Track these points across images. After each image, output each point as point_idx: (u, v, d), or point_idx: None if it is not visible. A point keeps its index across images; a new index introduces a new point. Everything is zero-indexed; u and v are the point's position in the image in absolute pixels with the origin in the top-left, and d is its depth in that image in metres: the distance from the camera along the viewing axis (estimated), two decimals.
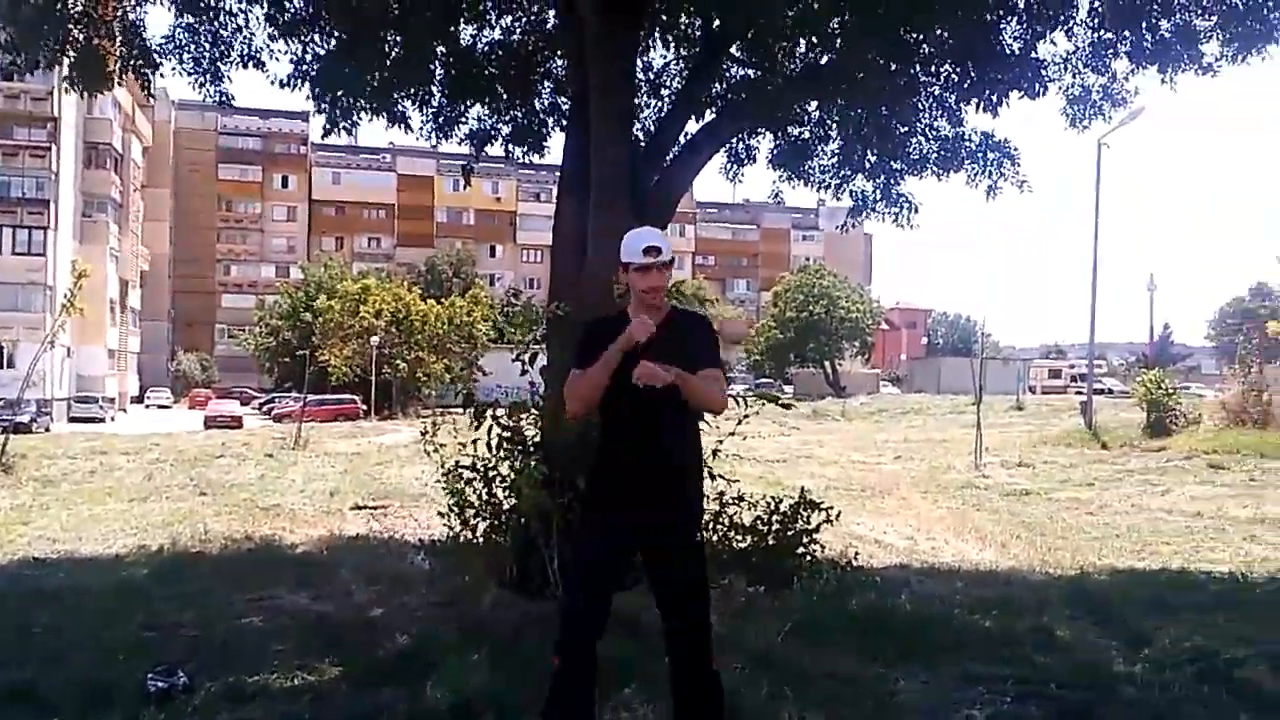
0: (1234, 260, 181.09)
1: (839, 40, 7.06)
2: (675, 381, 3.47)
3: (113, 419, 50.52)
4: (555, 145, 11.39)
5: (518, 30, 9.09)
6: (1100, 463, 23.33)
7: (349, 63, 8.38)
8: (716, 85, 8.73)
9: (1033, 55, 8.12)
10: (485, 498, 6.54)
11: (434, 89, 9.05)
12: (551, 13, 8.75)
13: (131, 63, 8.38)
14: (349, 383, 51.48)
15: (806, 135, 9.36)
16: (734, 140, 9.40)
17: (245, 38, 8.63)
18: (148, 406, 66.07)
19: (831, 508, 7.05)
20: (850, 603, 6.39)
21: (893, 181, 9.10)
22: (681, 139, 8.09)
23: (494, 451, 6.44)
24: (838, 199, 9.69)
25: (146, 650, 5.30)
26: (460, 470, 6.53)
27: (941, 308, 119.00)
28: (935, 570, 9.61)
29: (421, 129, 9.44)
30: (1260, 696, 4.86)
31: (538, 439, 6.47)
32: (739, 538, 6.78)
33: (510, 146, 9.58)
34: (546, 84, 9.31)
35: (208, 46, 8.59)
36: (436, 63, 8.87)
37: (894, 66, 7.56)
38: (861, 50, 6.93)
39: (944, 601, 6.96)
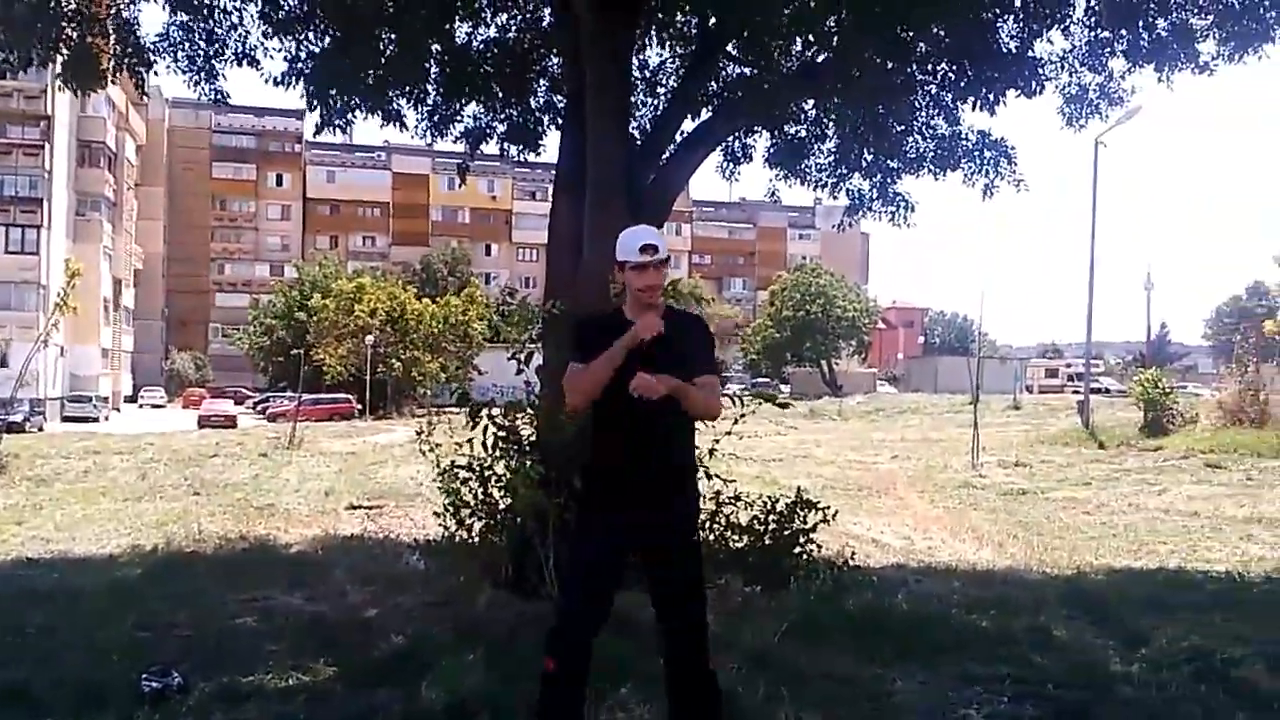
0: (1231, 260, 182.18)
1: (835, 38, 7.04)
2: (671, 393, 3.48)
3: (106, 418, 50.38)
4: (551, 144, 11.34)
5: (513, 28, 9.07)
6: (1097, 462, 23.36)
7: (344, 60, 8.36)
8: (713, 83, 8.72)
9: (1029, 54, 8.12)
10: (481, 497, 6.52)
11: (429, 87, 9.03)
12: (547, 11, 8.74)
13: (125, 61, 8.34)
14: (344, 382, 51.41)
15: (803, 134, 9.36)
16: (730, 139, 9.39)
17: (240, 35, 8.60)
18: (141, 406, 65.90)
19: (828, 507, 7.04)
20: (847, 602, 6.39)
21: (889, 180, 9.09)
22: (678, 137, 8.09)
23: (489, 451, 6.42)
24: (834, 198, 9.70)
25: (140, 651, 5.27)
26: (456, 470, 6.51)
27: (938, 307, 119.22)
28: (932, 570, 9.60)
29: (417, 127, 9.42)
30: (1257, 695, 4.86)
31: (533, 438, 6.45)
32: (736, 537, 6.77)
33: (505, 145, 9.57)
34: (542, 82, 9.29)
35: (202, 44, 8.55)
36: (432, 60, 8.85)
37: (890, 65, 7.54)
38: (858, 49, 6.92)
39: (941, 601, 6.96)
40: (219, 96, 8.89)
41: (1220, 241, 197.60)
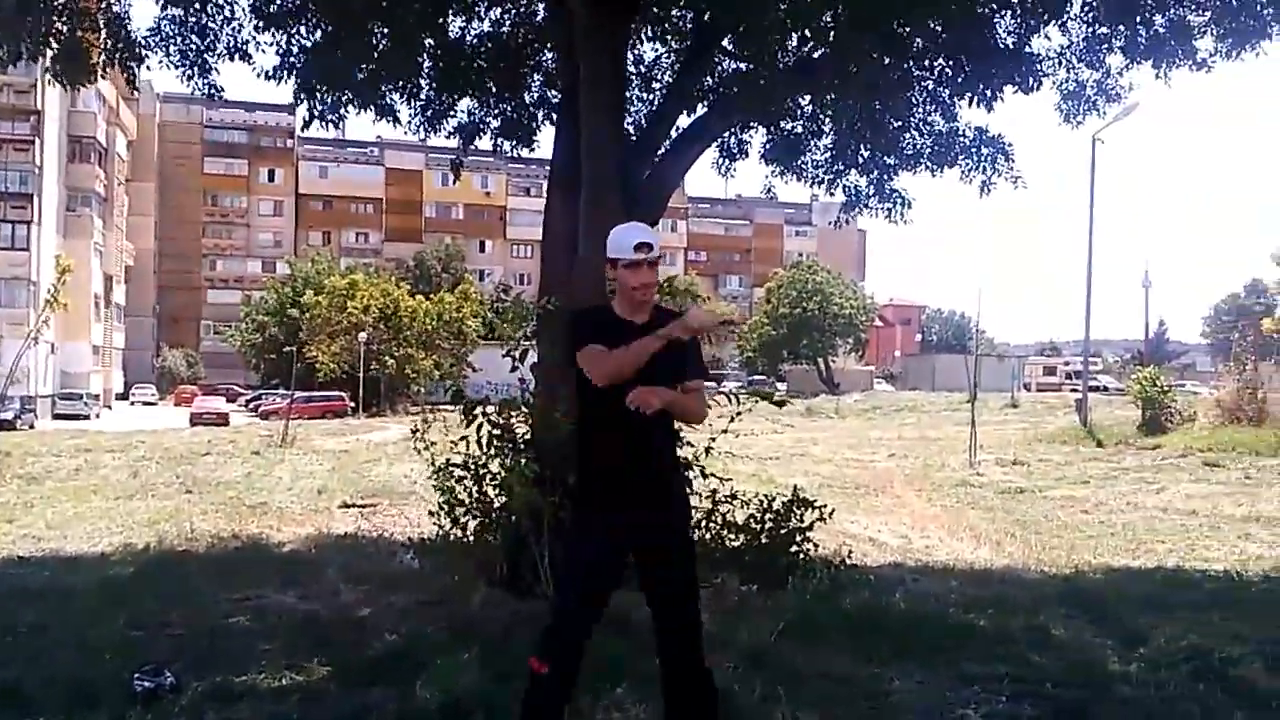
0: (1229, 256, 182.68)
1: (832, 34, 7.00)
2: (665, 406, 3.54)
3: (97, 416, 50.29)
4: (545, 139, 11.31)
5: (507, 22, 9.03)
6: (1095, 460, 23.38)
7: (336, 55, 8.32)
8: (708, 79, 8.69)
9: (1027, 50, 8.10)
10: (475, 496, 6.49)
11: (422, 81, 8.98)
12: (541, 5, 8.69)
13: (116, 55, 8.29)
14: (337, 379, 51.36)
15: (799, 130, 9.31)
16: (726, 135, 9.35)
17: (232, 30, 8.55)
18: (133, 403, 65.78)
19: (825, 506, 7.04)
20: (844, 601, 6.37)
21: (886, 177, 9.05)
22: (673, 133, 8.05)
23: (484, 449, 6.39)
24: (831, 194, 9.64)
25: (132, 650, 5.24)
26: (451, 468, 6.48)
27: (936, 304, 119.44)
28: (929, 569, 9.59)
29: (410, 122, 9.37)
30: (1255, 694, 4.85)
31: (528, 436, 6.42)
32: (732, 536, 6.76)
33: (499, 140, 9.53)
34: (536, 77, 9.26)
35: (194, 38, 8.51)
36: (425, 55, 8.81)
37: (887, 60, 7.51)
38: (855, 44, 6.87)
39: (938, 600, 6.95)
40: (212, 91, 8.85)
41: (1218, 238, 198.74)
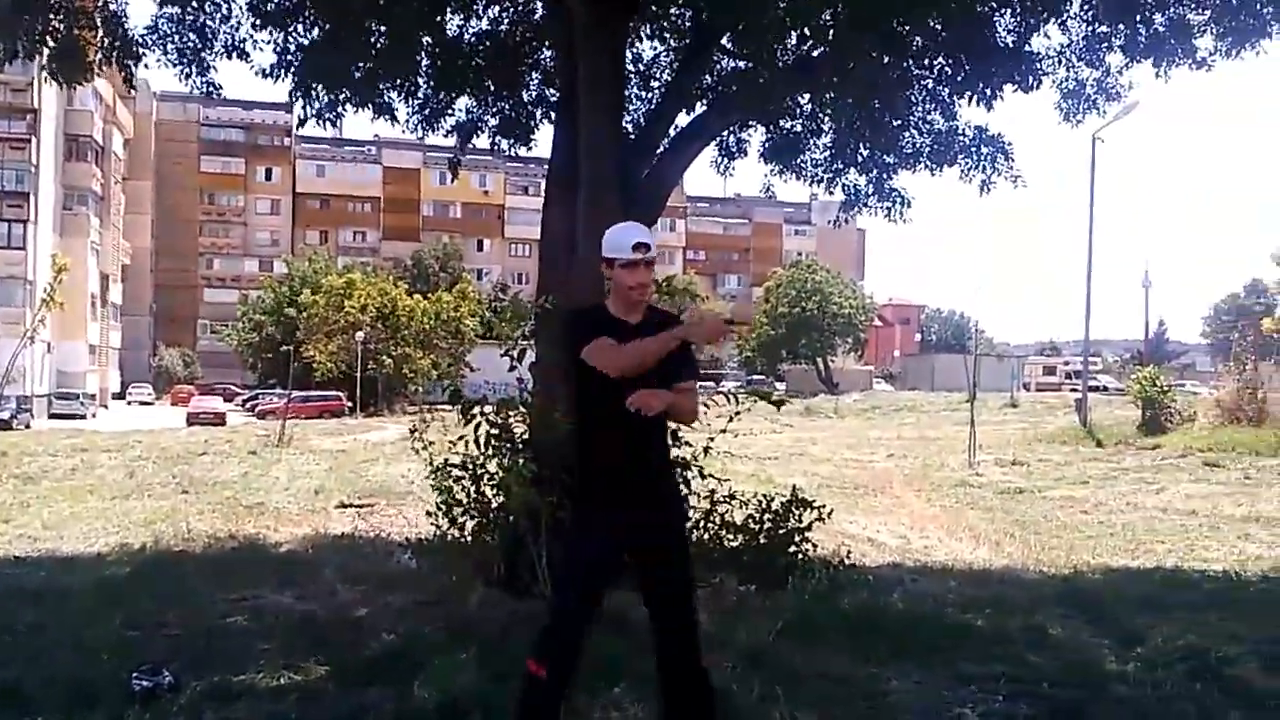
0: (1229, 255, 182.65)
1: (831, 32, 6.99)
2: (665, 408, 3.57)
3: (94, 415, 50.24)
4: (543, 138, 11.30)
5: (506, 21, 9.01)
6: (1095, 460, 23.39)
7: (334, 53, 8.30)
8: (707, 78, 8.67)
9: (1026, 48, 8.11)
10: (473, 496, 6.48)
11: (420, 80, 8.97)
12: (540, 3, 8.68)
13: (114, 54, 8.26)
14: (334, 379, 51.30)
15: (798, 129, 9.31)
16: (725, 133, 9.34)
17: (230, 28, 8.54)
18: (129, 403, 65.70)
19: (824, 506, 7.04)
20: (842, 602, 6.37)
21: (885, 176, 9.05)
22: (671, 132, 8.04)
23: (482, 449, 6.38)
24: (830, 193, 9.64)
25: (130, 649, 5.23)
26: (449, 468, 6.47)
27: (935, 304, 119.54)
28: (928, 569, 9.59)
29: (407, 121, 9.36)
30: (1251, 694, 4.86)
31: (526, 436, 6.41)
32: (730, 536, 6.76)
33: (497, 139, 9.51)
34: (534, 76, 9.24)
35: (192, 36, 8.49)
36: (423, 53, 8.79)
37: (886, 59, 7.51)
38: (853, 43, 6.87)
39: (937, 600, 6.95)
40: (210, 89, 8.83)
41: (1218, 238, 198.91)
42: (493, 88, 9.15)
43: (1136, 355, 58.33)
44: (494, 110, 9.35)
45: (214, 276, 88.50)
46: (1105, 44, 8.14)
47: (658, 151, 7.79)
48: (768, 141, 9.48)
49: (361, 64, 8.49)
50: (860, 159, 9.06)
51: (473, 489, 6.47)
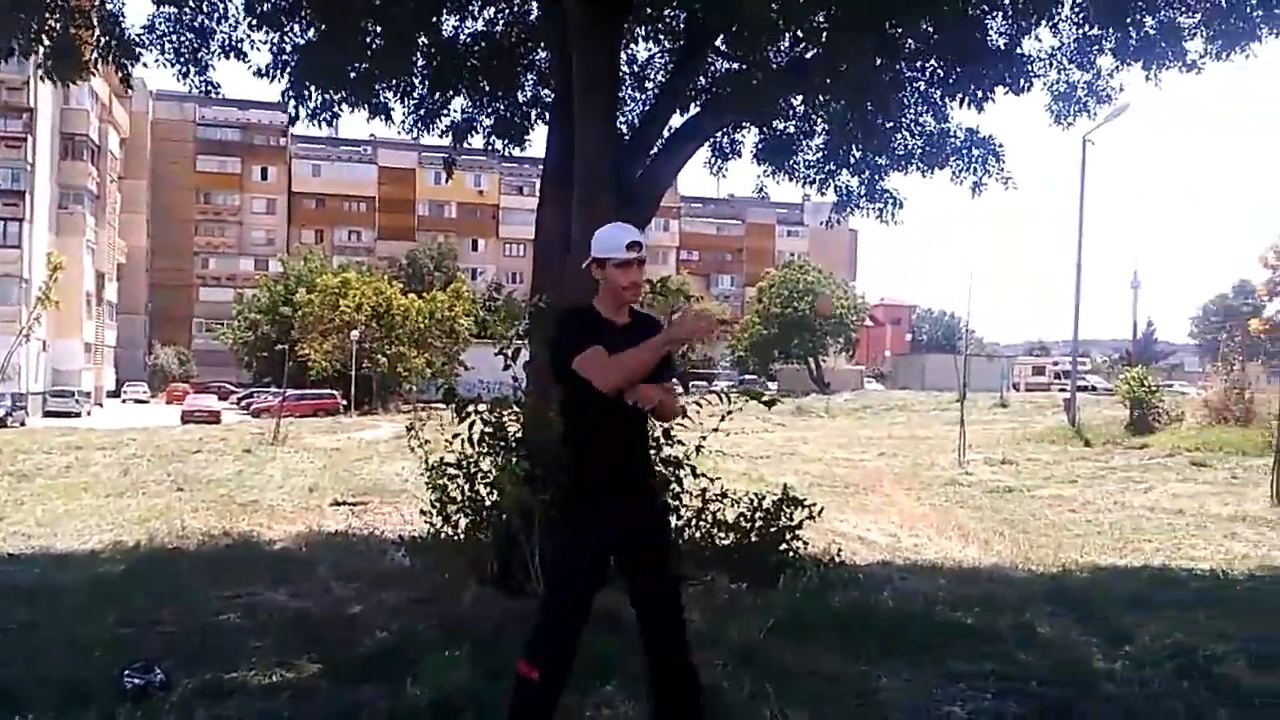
0: (1217, 257, 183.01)
1: (824, 34, 7.03)
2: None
3: (89, 413, 50.07)
4: (537, 138, 11.35)
5: (501, 21, 9.05)
6: (1083, 460, 23.45)
7: (330, 53, 8.31)
8: (701, 79, 8.72)
9: (1018, 51, 8.16)
10: (467, 494, 6.50)
11: (416, 80, 9.00)
12: (535, 4, 8.71)
13: (110, 53, 8.27)
14: (329, 377, 51.25)
15: (791, 130, 9.36)
16: (718, 134, 9.39)
17: (227, 27, 8.56)
18: (124, 401, 65.51)
19: (814, 504, 7.06)
20: (833, 600, 6.40)
21: (877, 177, 9.11)
22: (666, 133, 8.07)
23: (476, 447, 6.40)
24: (822, 194, 9.71)
25: (123, 647, 5.24)
26: (444, 466, 6.49)
27: (926, 304, 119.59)
28: (918, 567, 9.63)
29: (403, 121, 9.39)
30: (1238, 692, 4.89)
31: (520, 435, 6.43)
32: (722, 534, 6.78)
33: (492, 139, 9.54)
34: (529, 76, 9.28)
35: (189, 36, 8.50)
36: (418, 54, 8.82)
37: (879, 61, 7.55)
38: (846, 45, 6.91)
39: (926, 598, 6.97)
40: (208, 87, 8.85)
41: (1207, 239, 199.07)
42: (488, 88, 9.18)
43: (1125, 355, 58.35)
44: (489, 110, 9.38)
45: (209, 275, 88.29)
46: (1096, 47, 8.20)
47: (652, 152, 7.82)
48: (761, 143, 9.52)
49: (357, 64, 8.52)
50: (852, 160, 9.12)
51: (466, 487, 6.49)
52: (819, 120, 9.15)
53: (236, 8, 8.46)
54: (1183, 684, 4.96)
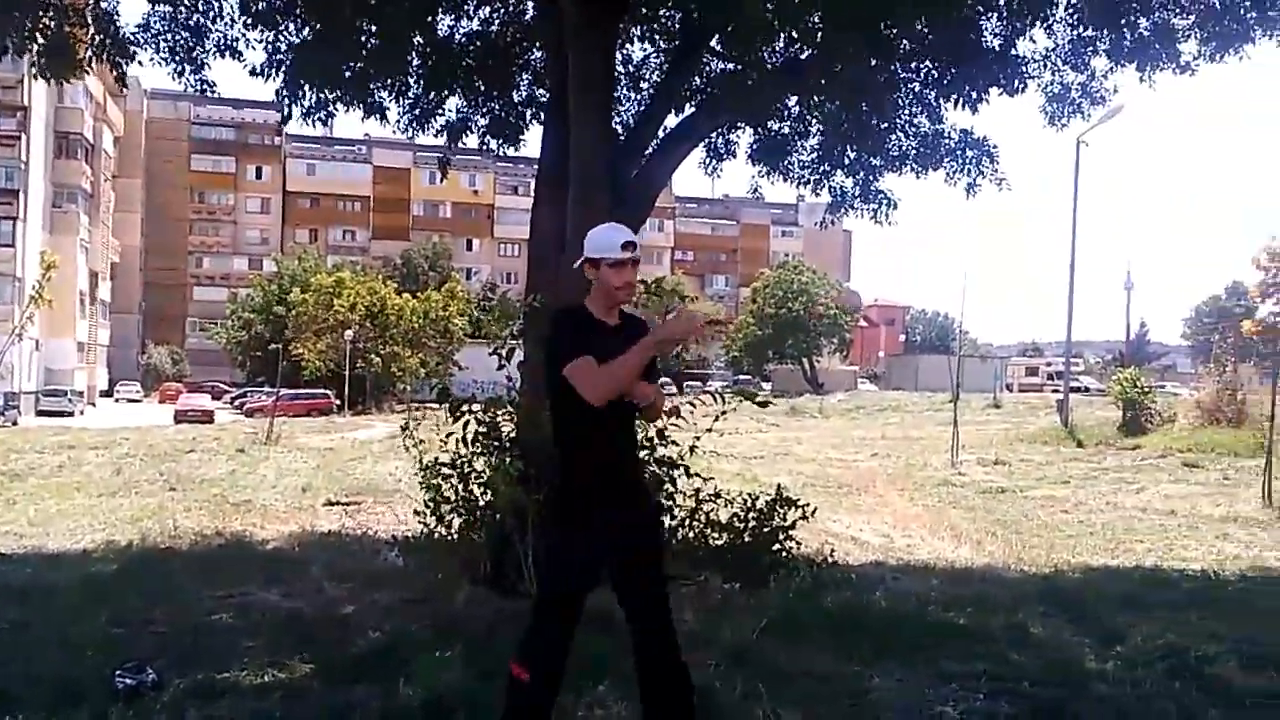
0: (1211, 258, 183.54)
1: (819, 35, 7.04)
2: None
3: (81, 412, 49.94)
4: (532, 138, 11.32)
5: (496, 21, 9.05)
6: (1076, 461, 23.51)
7: (324, 52, 8.30)
8: (696, 79, 8.72)
9: (1012, 52, 8.17)
10: (461, 494, 6.50)
11: (411, 80, 8.99)
12: (531, 4, 8.71)
13: (105, 51, 8.25)
14: (322, 377, 51.23)
15: (786, 131, 9.37)
16: (713, 135, 9.39)
17: (222, 26, 8.55)
18: (117, 400, 65.39)
19: (808, 505, 7.08)
20: (826, 600, 6.41)
21: (872, 178, 9.12)
22: (660, 133, 8.07)
23: (470, 447, 6.40)
24: (817, 195, 9.71)
25: (115, 647, 5.23)
26: (439, 466, 6.49)
27: (920, 305, 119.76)
28: (911, 567, 9.64)
29: (398, 120, 9.37)
30: (1230, 693, 4.91)
31: (513, 435, 6.43)
32: (715, 534, 6.79)
33: (487, 138, 9.53)
34: (525, 76, 9.27)
35: (185, 35, 8.49)
36: (414, 53, 8.80)
37: (874, 62, 7.55)
38: (841, 45, 6.91)
39: (919, 599, 6.98)
40: (204, 86, 8.83)
41: (1200, 240, 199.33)
42: (483, 87, 9.17)
43: (1118, 356, 58.53)
44: (484, 110, 9.37)
45: (203, 275, 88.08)
46: (1090, 48, 8.21)
47: (647, 152, 7.82)
48: (756, 143, 9.53)
49: (352, 63, 8.50)
50: (847, 161, 9.12)
51: (460, 487, 6.50)
52: (814, 121, 9.16)
53: (231, 6, 8.46)
54: (1174, 684, 4.98)
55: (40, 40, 7.99)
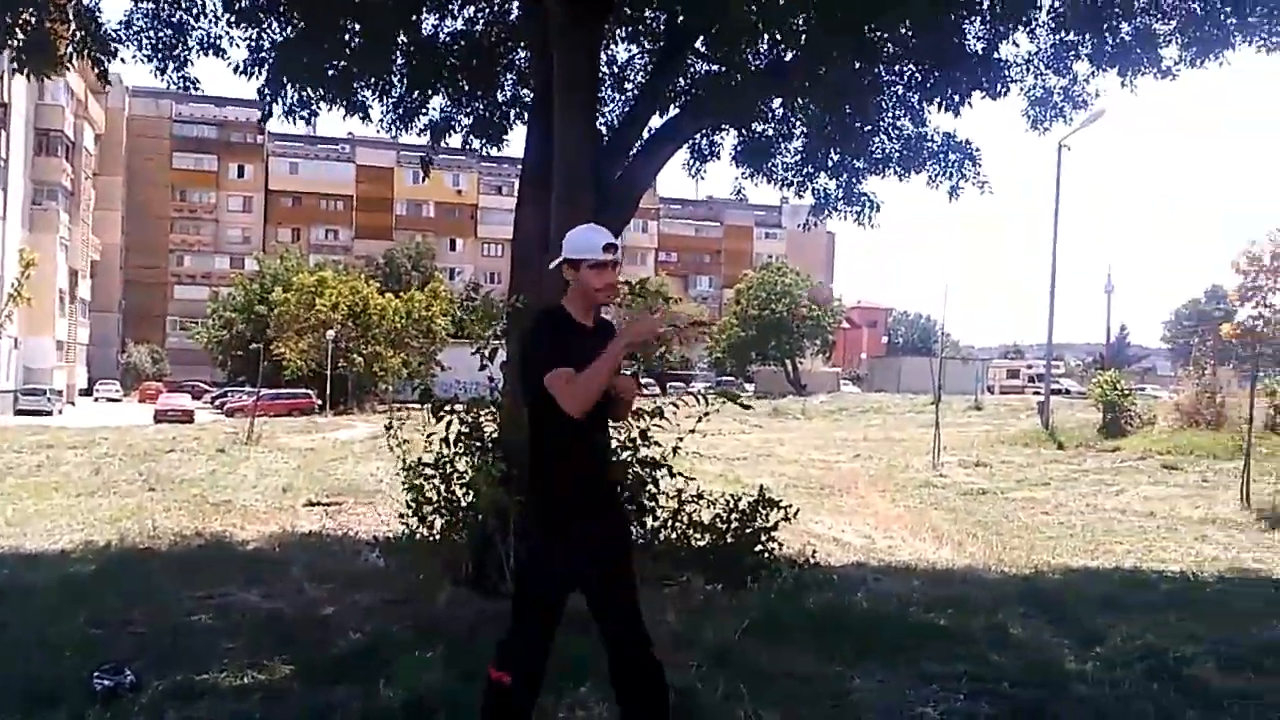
0: (1190, 262, 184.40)
1: (803, 37, 7.06)
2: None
3: (60, 412, 49.53)
4: (515, 138, 11.31)
5: (481, 20, 9.03)
6: (1056, 463, 23.65)
7: (308, 50, 8.26)
8: (680, 80, 8.73)
9: (995, 56, 8.22)
10: (443, 494, 6.48)
11: (394, 79, 8.96)
12: (515, 3, 8.70)
13: (86, 47, 8.19)
14: (304, 377, 50.94)
15: (770, 133, 9.39)
16: (697, 136, 9.40)
17: (205, 23, 8.50)
18: (97, 399, 64.85)
19: (790, 506, 7.08)
20: (808, 601, 6.43)
21: (855, 180, 9.15)
22: (645, 134, 8.07)
23: (452, 447, 6.38)
24: (800, 197, 9.74)
25: (93, 648, 5.19)
26: (421, 467, 6.47)
27: (902, 307, 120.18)
28: (892, 569, 9.67)
29: (381, 119, 9.35)
30: (1208, 693, 4.94)
31: (496, 435, 6.41)
32: (698, 535, 6.79)
33: (470, 138, 9.51)
34: (509, 75, 9.26)
35: (167, 31, 8.44)
36: (397, 52, 8.78)
37: (857, 64, 7.58)
38: (825, 48, 6.94)
39: (900, 600, 7.01)
40: (186, 83, 8.78)
41: (1181, 244, 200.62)
42: (467, 87, 9.15)
43: (1098, 359, 58.84)
44: (468, 110, 9.36)
45: (184, 273, 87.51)
46: (1073, 52, 8.27)
47: (631, 153, 7.82)
48: (739, 145, 9.56)
49: (336, 62, 8.47)
50: (830, 163, 9.15)
51: (443, 488, 6.48)
52: (797, 123, 9.19)
53: (214, 3, 8.41)
54: (1153, 685, 5.02)
55: (21, 36, 7.92)
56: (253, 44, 8.51)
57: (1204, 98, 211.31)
